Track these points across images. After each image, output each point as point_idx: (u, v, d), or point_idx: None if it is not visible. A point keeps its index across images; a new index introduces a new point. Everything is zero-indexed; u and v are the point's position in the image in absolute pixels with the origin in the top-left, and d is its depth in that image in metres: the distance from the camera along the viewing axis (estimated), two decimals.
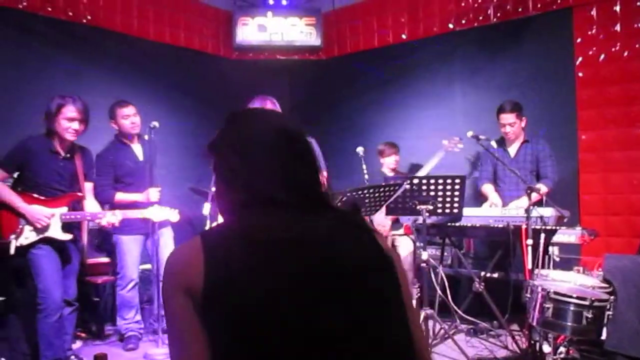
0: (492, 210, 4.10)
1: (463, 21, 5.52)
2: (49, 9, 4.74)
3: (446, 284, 4.00)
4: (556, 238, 3.68)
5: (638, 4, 4.55)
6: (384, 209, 3.74)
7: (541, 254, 3.45)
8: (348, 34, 6.45)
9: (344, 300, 0.96)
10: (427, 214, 3.69)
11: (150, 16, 5.60)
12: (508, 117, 4.32)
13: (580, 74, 4.82)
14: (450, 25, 5.60)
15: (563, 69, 4.89)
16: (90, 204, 3.65)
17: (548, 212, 3.61)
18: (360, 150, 4.54)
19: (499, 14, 5.28)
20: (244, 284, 0.90)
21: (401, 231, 4.83)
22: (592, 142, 4.77)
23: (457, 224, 4.00)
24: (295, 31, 6.30)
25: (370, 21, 6.24)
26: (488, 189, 4.47)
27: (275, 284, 0.92)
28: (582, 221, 4.45)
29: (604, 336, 2.96)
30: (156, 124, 3.92)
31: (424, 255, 3.68)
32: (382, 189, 3.49)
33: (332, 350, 0.93)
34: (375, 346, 0.97)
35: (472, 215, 3.97)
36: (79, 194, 3.55)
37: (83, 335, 4.24)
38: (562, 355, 3.14)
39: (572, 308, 2.80)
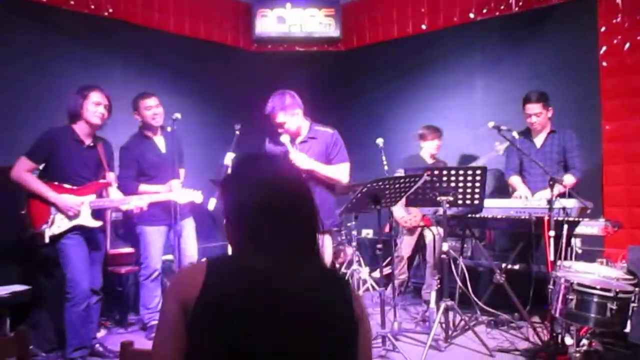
0: (514, 201, 4.05)
1: (484, 10, 5.45)
2: (72, 2, 4.79)
3: (466, 275, 3.99)
4: (579, 230, 3.65)
5: None
6: (403, 200, 3.74)
7: (564, 245, 3.41)
8: (367, 24, 6.42)
9: (309, 345, 1.13)
10: (447, 205, 3.68)
11: (170, 9, 5.64)
12: (534, 107, 4.26)
13: (605, 63, 4.73)
14: (471, 15, 5.53)
15: (587, 58, 4.80)
16: (114, 193, 3.70)
17: (571, 203, 3.57)
18: (379, 141, 4.54)
19: (521, 3, 5.20)
20: (229, 312, 1.09)
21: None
22: (616, 132, 4.69)
23: (478, 216, 3.96)
24: (314, 22, 6.29)
25: (389, 12, 6.20)
26: (515, 180, 4.42)
27: (252, 319, 1.09)
28: (605, 213, 4.36)
29: (628, 328, 2.92)
30: (178, 115, 3.96)
31: (445, 247, 3.68)
32: (402, 180, 3.49)
33: None
34: None
35: (493, 207, 3.93)
36: (106, 181, 3.62)
37: (107, 324, 4.32)
38: (584, 348, 3.10)
39: (596, 300, 2.77)
